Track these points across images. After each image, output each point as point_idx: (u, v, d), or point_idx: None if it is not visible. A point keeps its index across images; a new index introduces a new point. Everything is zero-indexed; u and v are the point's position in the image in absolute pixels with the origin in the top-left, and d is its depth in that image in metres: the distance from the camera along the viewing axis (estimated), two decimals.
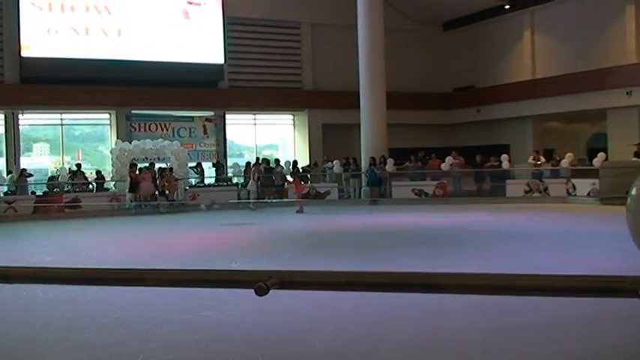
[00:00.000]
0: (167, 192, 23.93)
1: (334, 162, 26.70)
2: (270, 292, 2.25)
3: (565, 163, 23.92)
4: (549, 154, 26.17)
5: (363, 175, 26.00)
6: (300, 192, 23.45)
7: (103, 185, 24.95)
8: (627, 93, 25.30)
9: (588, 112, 27.92)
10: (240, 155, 31.44)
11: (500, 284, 2.42)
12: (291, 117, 32.54)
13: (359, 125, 27.07)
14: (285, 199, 25.31)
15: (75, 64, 26.41)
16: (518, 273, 2.36)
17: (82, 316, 7.12)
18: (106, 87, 27.00)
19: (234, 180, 26.91)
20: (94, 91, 26.82)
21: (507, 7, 31.02)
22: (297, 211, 21.44)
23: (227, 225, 18.24)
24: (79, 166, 25.28)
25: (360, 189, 26.15)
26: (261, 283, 2.16)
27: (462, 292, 2.46)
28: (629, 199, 3.22)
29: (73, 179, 24.32)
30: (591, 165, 23.43)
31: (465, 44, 34.08)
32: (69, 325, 6.82)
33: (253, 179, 24.76)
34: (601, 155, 23.10)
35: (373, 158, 25.46)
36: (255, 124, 31.92)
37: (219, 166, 27.69)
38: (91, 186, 24.99)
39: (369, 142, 26.47)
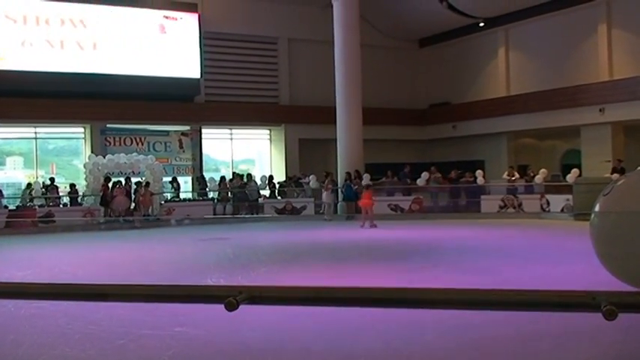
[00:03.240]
0: (141, 206, 23.76)
1: (310, 177, 26.73)
2: (244, 306, 2.26)
3: (539, 179, 24.14)
4: (523, 170, 26.40)
5: (339, 190, 26.05)
6: (369, 206, 21.49)
7: (76, 199, 24.72)
8: (600, 110, 25.62)
9: (562, 129, 28.23)
10: (217, 170, 31.33)
11: (469, 299, 2.44)
12: (268, 132, 32.53)
13: (335, 140, 27.15)
14: (260, 214, 25.30)
15: (50, 77, 26.20)
16: (488, 288, 2.39)
17: (53, 332, 7.05)
18: (80, 101, 26.81)
19: (210, 195, 26.83)
20: (69, 105, 26.63)
21: (482, 24, 31.36)
22: (371, 226, 20.71)
23: (203, 240, 18.15)
24: (52, 180, 25.04)
25: (336, 204, 26.18)
26: (231, 298, 2.17)
27: (433, 307, 2.48)
28: (592, 215, 3.28)
29: (46, 193, 24.09)
30: (565, 181, 23.66)
31: (441, 61, 34.38)
32: (40, 341, 6.75)
33: (326, 191, 24.67)
34: (574, 171, 23.34)
35: (349, 173, 25.55)
36: (231, 138, 31.86)
37: (202, 181, 27.55)
38: (65, 200, 24.76)
39: (345, 157, 26.54)
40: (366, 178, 25.49)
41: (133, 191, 24.29)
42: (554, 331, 6.38)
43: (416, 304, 2.55)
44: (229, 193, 26.19)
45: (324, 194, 24.76)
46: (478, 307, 2.42)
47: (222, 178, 27.21)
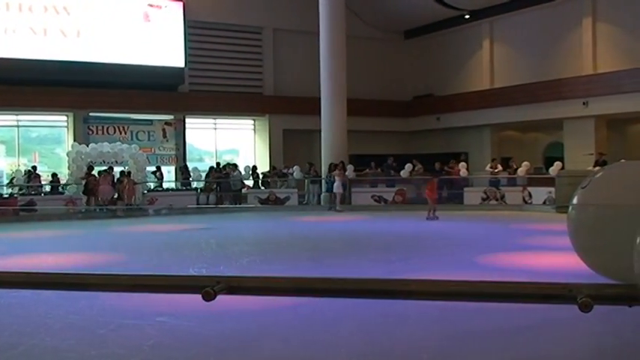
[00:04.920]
0: (125, 196, 23.63)
1: (294, 168, 26.72)
2: (226, 296, 2.25)
3: (522, 171, 24.27)
4: (506, 163, 26.51)
5: (322, 181, 26.07)
6: (431, 198, 20.34)
7: (58, 188, 24.58)
8: (584, 103, 25.74)
9: (545, 122, 28.36)
10: (200, 160, 31.25)
11: (448, 290, 2.45)
12: (252, 122, 32.45)
13: (320, 131, 27.14)
14: (244, 205, 25.25)
15: (32, 64, 25.96)
16: (466, 280, 2.40)
17: (33, 321, 7.01)
18: (63, 89, 26.60)
19: (194, 185, 26.74)
20: (52, 93, 26.42)
21: (467, 17, 31.39)
22: (432, 217, 19.63)
23: (186, 230, 18.10)
24: (34, 168, 24.88)
25: (319, 195, 26.20)
26: (208, 288, 2.17)
27: (415, 298, 2.49)
28: (570, 208, 3.31)
29: (28, 182, 23.93)
30: (547, 174, 23.80)
31: (426, 53, 34.41)
32: (20, 330, 6.71)
33: (339, 180, 24.41)
34: (557, 164, 23.50)
35: (332, 164, 25.55)
36: (215, 128, 31.76)
37: (185, 171, 27.40)
38: (47, 188, 24.62)
39: (329, 148, 26.54)
40: (349, 170, 25.56)
41: (115, 180, 24.13)
42: (533, 322, 6.43)
43: (396, 295, 2.56)
44: (211, 183, 26.13)
45: (335, 184, 24.54)
46: (457, 299, 2.43)
47: (212, 168, 27.08)
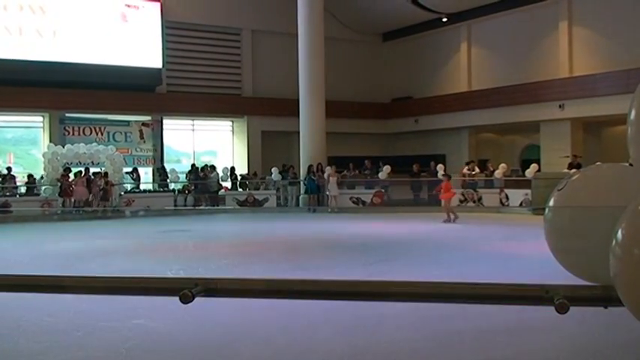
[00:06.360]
0: (106, 197, 23.45)
1: (272, 170, 26.69)
2: (204, 299, 2.24)
3: (498, 173, 24.41)
4: (483, 165, 26.65)
5: (301, 183, 26.06)
6: (448, 198, 19.49)
7: (34, 190, 24.34)
8: (560, 106, 25.96)
9: (522, 124, 28.55)
10: (178, 161, 31.07)
11: (426, 292, 2.46)
12: (230, 123, 32.36)
13: (298, 133, 27.12)
14: (221, 206, 25.16)
15: (7, 64, 25.67)
16: (443, 281, 2.41)
17: (8, 324, 6.94)
18: (39, 89, 26.33)
19: (171, 186, 26.61)
20: (27, 93, 26.13)
21: (445, 20, 31.53)
22: (452, 220, 18.96)
23: (164, 232, 17.99)
24: (9, 169, 24.60)
25: (297, 197, 26.18)
26: (186, 290, 2.15)
27: (393, 300, 2.49)
28: (546, 210, 3.34)
29: (3, 183, 23.66)
30: (524, 176, 23.96)
31: (404, 55, 34.53)
32: None
33: (332, 181, 24.27)
34: (533, 166, 23.66)
35: (311, 166, 25.56)
36: (193, 129, 31.62)
37: (162, 172, 27.24)
38: (22, 190, 24.36)
39: (308, 150, 26.54)
40: (328, 170, 25.56)
41: (90, 181, 23.89)
42: (508, 324, 6.47)
43: (374, 297, 2.55)
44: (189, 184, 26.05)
45: (330, 185, 24.43)
46: (434, 300, 2.43)
47: (196, 169, 26.89)
